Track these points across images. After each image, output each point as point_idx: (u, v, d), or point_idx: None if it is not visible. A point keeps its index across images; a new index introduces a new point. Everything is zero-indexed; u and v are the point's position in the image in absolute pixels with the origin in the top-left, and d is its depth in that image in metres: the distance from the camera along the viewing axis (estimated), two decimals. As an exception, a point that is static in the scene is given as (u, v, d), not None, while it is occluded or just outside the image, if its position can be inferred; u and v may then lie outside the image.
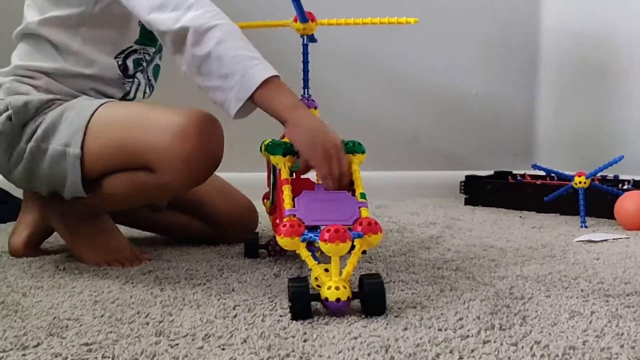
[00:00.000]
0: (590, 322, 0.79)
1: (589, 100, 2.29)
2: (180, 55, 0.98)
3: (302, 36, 1.15)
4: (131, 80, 1.19)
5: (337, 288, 0.81)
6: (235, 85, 0.93)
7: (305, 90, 1.16)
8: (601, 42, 2.25)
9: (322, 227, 0.84)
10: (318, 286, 0.84)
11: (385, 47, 2.24)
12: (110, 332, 0.76)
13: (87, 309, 0.86)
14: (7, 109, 1.07)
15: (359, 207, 0.89)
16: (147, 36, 1.17)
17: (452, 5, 2.30)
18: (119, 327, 0.78)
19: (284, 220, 0.86)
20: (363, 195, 0.91)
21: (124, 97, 1.19)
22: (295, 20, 1.13)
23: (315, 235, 0.83)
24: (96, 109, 1.05)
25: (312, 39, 1.18)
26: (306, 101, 1.13)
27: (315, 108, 1.14)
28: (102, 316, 0.83)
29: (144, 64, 1.21)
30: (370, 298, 0.82)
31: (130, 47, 1.17)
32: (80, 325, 0.79)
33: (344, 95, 2.17)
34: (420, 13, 2.21)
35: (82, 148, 1.02)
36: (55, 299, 0.91)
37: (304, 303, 0.81)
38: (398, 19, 1.17)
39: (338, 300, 0.80)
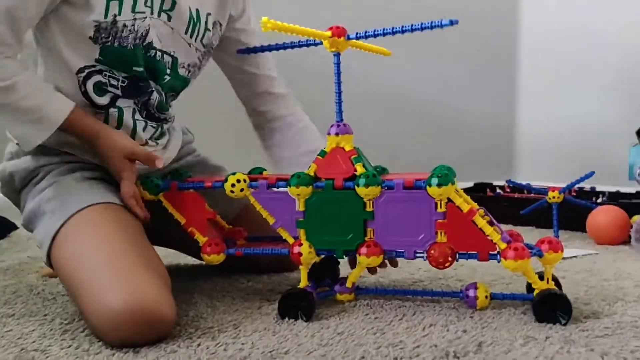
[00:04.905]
0: (543, 349, 0.81)
1: (569, 111, 2.32)
2: None
3: (334, 54, 1.01)
4: (102, 111, 1.05)
5: None
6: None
7: (339, 114, 1.01)
8: (581, 54, 2.28)
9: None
10: None
11: (364, 62, 2.27)
12: (75, 364, 0.78)
13: (56, 338, 0.88)
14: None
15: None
16: (116, 57, 1.03)
17: (430, 18, 2.33)
18: (84, 359, 0.80)
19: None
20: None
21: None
22: (332, 35, 0.98)
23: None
24: (66, 220, 0.96)
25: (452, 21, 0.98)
26: (343, 127, 0.99)
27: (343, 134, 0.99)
28: (69, 347, 0.84)
29: (114, 90, 1.05)
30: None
31: (92, 66, 1.03)
32: (47, 357, 0.81)
33: (322, 111, 2.19)
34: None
35: (48, 255, 0.98)
36: (26, 328, 0.93)
37: None
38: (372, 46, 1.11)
39: None
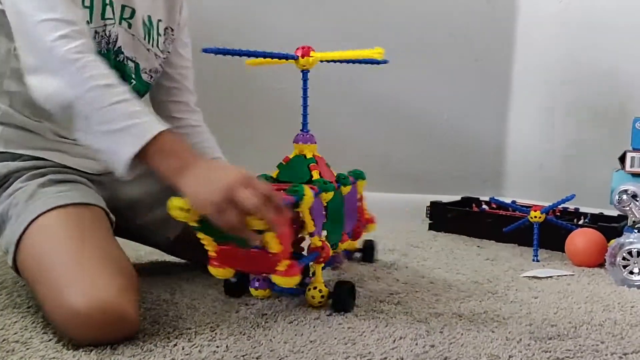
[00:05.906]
0: (505, 367, 0.85)
1: (559, 129, 2.36)
2: None
3: (302, 72, 1.14)
4: None
5: None
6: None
7: (304, 125, 1.15)
8: (572, 75, 2.31)
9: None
10: None
11: (358, 72, 2.30)
12: (53, 357, 0.81)
13: (37, 331, 0.91)
14: None
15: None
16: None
17: (427, 34, 2.37)
18: (63, 353, 0.83)
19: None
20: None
21: None
22: (301, 55, 1.12)
23: None
24: (31, 222, 0.97)
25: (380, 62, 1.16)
26: (307, 136, 1.14)
27: (314, 143, 1.15)
28: (49, 340, 0.88)
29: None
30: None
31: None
32: (27, 349, 0.84)
33: (317, 118, 2.22)
34: (395, 41, 2.26)
35: (14, 260, 0.99)
36: (9, 319, 0.96)
37: None
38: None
39: None
